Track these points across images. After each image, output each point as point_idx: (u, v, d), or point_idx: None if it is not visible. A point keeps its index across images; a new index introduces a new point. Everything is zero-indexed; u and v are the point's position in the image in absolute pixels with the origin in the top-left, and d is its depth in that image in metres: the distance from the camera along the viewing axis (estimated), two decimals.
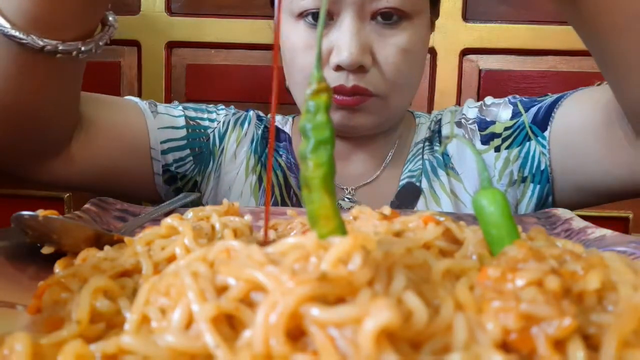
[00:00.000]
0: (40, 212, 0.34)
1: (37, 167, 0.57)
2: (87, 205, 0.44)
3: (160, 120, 0.65)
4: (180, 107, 0.69)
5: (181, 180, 0.67)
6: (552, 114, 0.60)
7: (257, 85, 1.13)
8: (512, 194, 0.65)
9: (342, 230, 0.23)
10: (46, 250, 0.34)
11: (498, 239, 0.27)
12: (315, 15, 0.58)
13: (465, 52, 1.09)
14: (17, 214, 0.33)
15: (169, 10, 1.16)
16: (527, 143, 0.62)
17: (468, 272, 0.24)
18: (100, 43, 0.49)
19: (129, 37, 1.15)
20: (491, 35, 1.08)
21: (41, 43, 0.44)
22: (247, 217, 0.37)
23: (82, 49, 0.47)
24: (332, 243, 0.20)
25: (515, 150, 0.63)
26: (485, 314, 0.20)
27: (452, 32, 1.08)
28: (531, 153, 0.62)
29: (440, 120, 0.71)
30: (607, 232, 0.40)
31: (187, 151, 0.66)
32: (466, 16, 1.08)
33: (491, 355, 0.18)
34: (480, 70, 1.10)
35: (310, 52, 0.59)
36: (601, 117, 0.56)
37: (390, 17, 0.57)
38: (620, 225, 1.09)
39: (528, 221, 0.49)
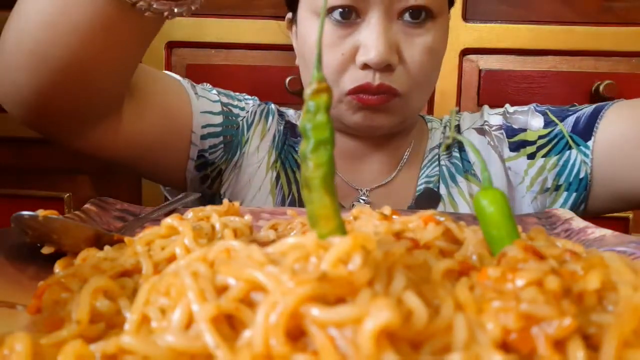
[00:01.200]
0: (40, 212, 0.34)
1: (85, 133, 0.54)
2: (87, 205, 0.44)
3: (202, 104, 0.63)
4: (215, 91, 0.67)
5: (210, 167, 0.66)
6: (596, 124, 0.61)
7: (257, 86, 1.13)
8: (541, 201, 0.64)
9: (342, 230, 0.23)
10: (46, 250, 0.34)
11: (498, 239, 0.27)
12: (341, 13, 0.57)
13: (465, 52, 1.09)
14: (17, 214, 0.33)
15: None
16: (568, 152, 0.62)
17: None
18: (192, 7, 0.45)
19: None
20: (491, 35, 1.08)
21: None
22: (247, 217, 0.37)
23: (175, 10, 0.43)
24: (332, 243, 0.20)
25: (553, 158, 0.63)
26: (485, 314, 0.20)
27: (452, 32, 1.07)
28: (571, 161, 0.62)
29: (458, 125, 0.71)
30: (607, 232, 0.40)
31: (221, 138, 0.65)
32: (466, 16, 1.08)
33: (491, 355, 0.18)
34: (480, 70, 1.10)
35: (333, 51, 0.58)
36: None
37: (418, 16, 0.57)
38: (620, 225, 1.08)
39: (528, 221, 0.49)
